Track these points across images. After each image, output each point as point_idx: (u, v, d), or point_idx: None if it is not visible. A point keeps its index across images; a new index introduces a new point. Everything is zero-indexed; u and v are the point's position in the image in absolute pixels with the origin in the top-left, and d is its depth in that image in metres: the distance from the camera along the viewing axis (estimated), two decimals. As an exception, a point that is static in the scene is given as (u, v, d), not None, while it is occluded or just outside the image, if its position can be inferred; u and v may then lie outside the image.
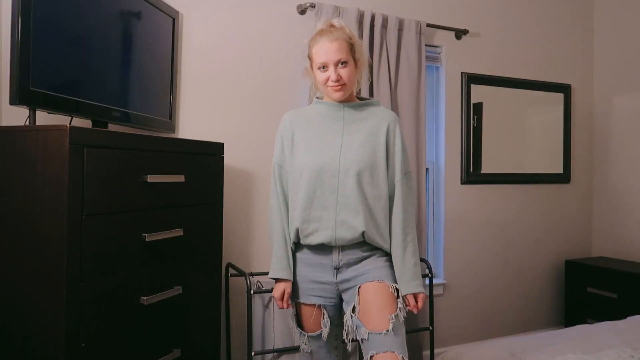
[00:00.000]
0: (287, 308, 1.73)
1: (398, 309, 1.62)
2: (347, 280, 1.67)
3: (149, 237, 1.57)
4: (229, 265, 2.35)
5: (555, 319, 3.45)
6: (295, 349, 2.30)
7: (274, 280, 1.73)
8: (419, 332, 2.74)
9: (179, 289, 1.71)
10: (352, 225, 1.62)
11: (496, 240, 3.23)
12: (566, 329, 2.32)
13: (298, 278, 1.71)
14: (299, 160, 1.67)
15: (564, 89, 3.46)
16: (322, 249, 1.67)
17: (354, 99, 1.75)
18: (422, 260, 2.58)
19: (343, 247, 1.66)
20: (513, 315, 3.29)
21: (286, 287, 1.69)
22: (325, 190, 1.63)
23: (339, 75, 1.62)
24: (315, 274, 1.69)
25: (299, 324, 1.77)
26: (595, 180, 3.59)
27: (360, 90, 1.85)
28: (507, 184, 3.27)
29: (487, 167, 3.19)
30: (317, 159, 1.64)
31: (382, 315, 1.59)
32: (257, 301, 2.33)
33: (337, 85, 1.63)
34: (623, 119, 3.41)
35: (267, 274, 2.39)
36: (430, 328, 2.58)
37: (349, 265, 1.67)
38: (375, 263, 1.67)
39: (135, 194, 1.55)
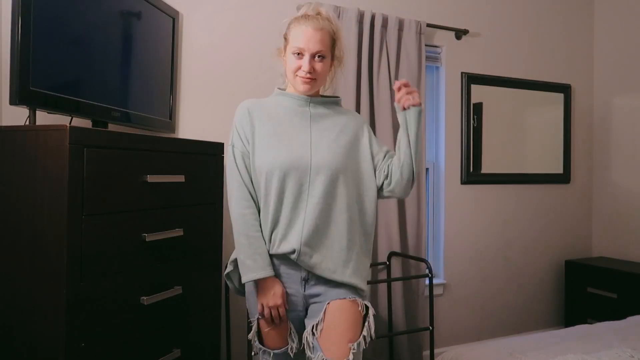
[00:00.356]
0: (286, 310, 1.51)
1: (362, 336, 1.48)
2: (317, 295, 1.51)
3: (149, 237, 1.57)
4: (229, 265, 2.35)
5: (555, 319, 3.45)
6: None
7: (254, 285, 1.49)
8: (419, 332, 2.74)
9: (179, 289, 1.71)
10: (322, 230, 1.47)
11: (496, 240, 3.23)
12: (566, 329, 2.32)
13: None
14: (262, 157, 1.49)
15: (564, 89, 3.46)
16: (289, 258, 1.49)
17: (318, 95, 1.61)
18: (422, 260, 2.59)
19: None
20: (513, 315, 3.29)
21: (279, 286, 1.48)
22: (294, 190, 1.47)
23: (312, 67, 1.49)
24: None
25: (261, 340, 1.54)
26: (595, 180, 3.59)
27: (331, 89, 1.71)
28: (507, 184, 3.27)
29: (487, 167, 3.19)
30: (285, 155, 1.47)
31: (343, 342, 1.45)
32: (257, 301, 2.32)
33: (308, 78, 1.50)
34: (623, 119, 3.41)
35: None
36: (430, 328, 2.58)
37: (318, 278, 1.50)
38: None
39: (135, 194, 1.54)
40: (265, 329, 1.51)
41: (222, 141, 2.07)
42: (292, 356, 1.52)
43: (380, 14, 2.69)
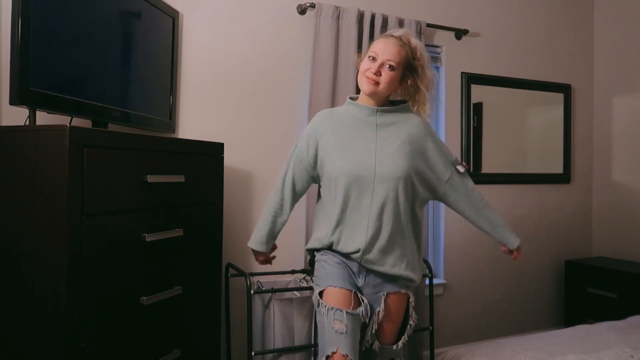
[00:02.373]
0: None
1: (409, 325, 1.74)
2: (375, 285, 1.68)
3: (149, 237, 1.57)
4: (229, 265, 2.35)
5: (555, 319, 3.45)
6: (295, 349, 2.30)
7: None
8: (419, 332, 2.74)
9: (179, 289, 1.71)
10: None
11: (496, 240, 3.23)
12: (566, 329, 2.32)
13: (330, 268, 1.67)
14: (332, 164, 1.66)
15: (564, 89, 3.46)
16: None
17: (386, 103, 1.73)
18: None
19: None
20: (513, 315, 3.29)
21: (264, 256, 1.87)
22: (359, 196, 1.63)
23: (379, 72, 1.62)
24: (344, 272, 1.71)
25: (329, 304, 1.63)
26: (595, 180, 3.59)
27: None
28: (507, 184, 3.26)
29: (487, 167, 3.19)
30: (351, 165, 1.63)
31: (395, 331, 1.72)
32: (257, 301, 2.33)
33: (372, 80, 1.62)
34: (623, 119, 3.41)
35: (267, 274, 2.40)
36: (430, 328, 2.58)
37: (376, 271, 1.67)
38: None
39: (135, 194, 1.54)
40: (332, 296, 1.63)
41: (222, 141, 2.07)
42: (362, 319, 1.63)
43: (380, 14, 2.68)
